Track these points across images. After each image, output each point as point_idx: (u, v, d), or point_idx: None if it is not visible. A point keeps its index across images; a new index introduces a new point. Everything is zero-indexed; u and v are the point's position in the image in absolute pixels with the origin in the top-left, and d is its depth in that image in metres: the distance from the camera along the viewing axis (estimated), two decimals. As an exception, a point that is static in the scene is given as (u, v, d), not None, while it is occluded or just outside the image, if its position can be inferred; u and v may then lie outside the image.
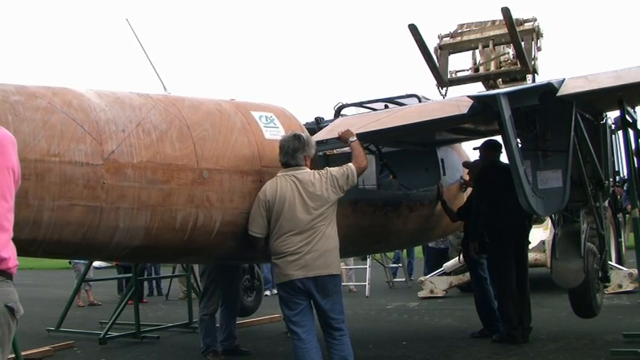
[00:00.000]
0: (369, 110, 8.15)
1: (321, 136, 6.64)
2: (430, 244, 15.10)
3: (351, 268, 15.62)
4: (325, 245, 5.66)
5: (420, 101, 7.86)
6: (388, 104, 8.06)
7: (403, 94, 8.04)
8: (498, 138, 8.00)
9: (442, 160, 8.30)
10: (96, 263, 16.41)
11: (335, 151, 7.24)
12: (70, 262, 15.39)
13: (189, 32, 75.10)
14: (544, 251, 11.96)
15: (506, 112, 5.87)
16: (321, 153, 6.74)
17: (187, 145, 5.52)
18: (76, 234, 5.02)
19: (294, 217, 5.62)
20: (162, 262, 14.36)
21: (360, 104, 8.21)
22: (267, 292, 15.28)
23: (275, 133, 6.27)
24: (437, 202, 8.28)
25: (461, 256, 9.01)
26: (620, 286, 11.20)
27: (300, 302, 5.70)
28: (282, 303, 5.78)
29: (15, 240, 3.03)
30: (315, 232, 5.63)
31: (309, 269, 5.59)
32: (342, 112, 8.09)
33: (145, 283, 15.93)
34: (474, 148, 8.71)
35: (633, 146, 7.19)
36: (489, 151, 8.14)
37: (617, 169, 11.65)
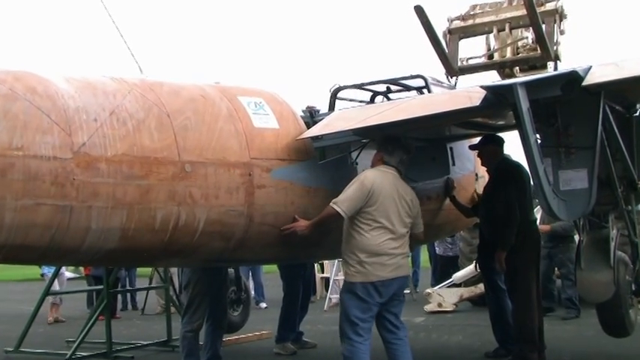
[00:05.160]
0: (369, 93, 8.19)
1: (316, 131, 6.64)
2: (438, 252, 15.10)
3: (336, 279, 15.58)
4: (407, 247, 6.53)
5: (426, 82, 7.83)
6: (391, 86, 8.04)
7: (408, 74, 8.02)
8: (506, 134, 8.01)
9: (451, 148, 8.27)
10: (68, 273, 16.37)
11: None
12: (41, 275, 15.34)
13: (167, 6, 74.59)
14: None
15: (524, 104, 5.82)
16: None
17: (167, 136, 5.52)
18: (42, 237, 5.02)
19: (396, 220, 6.34)
20: (140, 266, 14.31)
21: (359, 86, 8.19)
22: (263, 304, 15.34)
23: (265, 120, 6.30)
24: (445, 195, 8.27)
25: (475, 264, 8.94)
26: (657, 301, 11.18)
27: (374, 308, 6.36)
28: (355, 304, 6.31)
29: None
30: (405, 237, 6.47)
31: (400, 270, 6.40)
32: (340, 94, 8.07)
33: (119, 296, 15.85)
34: (470, 147, 8.66)
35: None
36: (494, 147, 8.06)
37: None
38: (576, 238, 11.86)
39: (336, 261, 14.96)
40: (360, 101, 8.33)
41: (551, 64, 8.27)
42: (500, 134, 8.13)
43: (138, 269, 17.05)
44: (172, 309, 11.11)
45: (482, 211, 8.18)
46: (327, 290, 15.89)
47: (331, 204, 6.23)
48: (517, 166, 7.81)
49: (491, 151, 8.05)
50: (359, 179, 6.38)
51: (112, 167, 5.17)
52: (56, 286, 13.08)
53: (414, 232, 6.59)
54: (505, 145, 8.07)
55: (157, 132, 5.48)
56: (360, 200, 6.23)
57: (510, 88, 5.85)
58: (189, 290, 8.13)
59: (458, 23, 8.57)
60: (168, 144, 5.50)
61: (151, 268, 14.19)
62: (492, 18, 8.41)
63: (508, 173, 7.84)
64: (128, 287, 16.21)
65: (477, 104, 6.07)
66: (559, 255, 11.67)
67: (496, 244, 7.84)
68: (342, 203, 6.21)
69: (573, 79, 5.89)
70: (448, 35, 8.52)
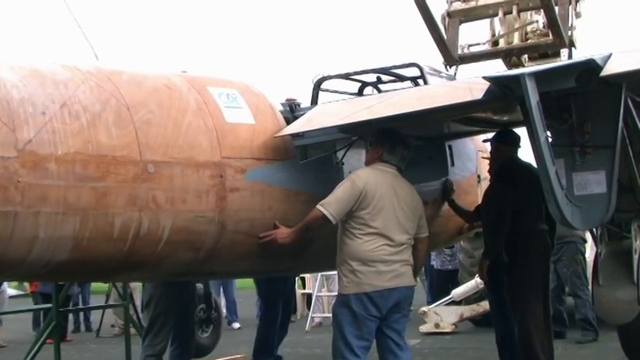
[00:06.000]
0: (357, 84, 8.23)
1: (296, 127, 6.65)
2: (435, 265, 15.12)
3: (319, 295, 15.58)
4: (409, 254, 6.53)
5: (422, 72, 7.83)
6: (381, 76, 8.06)
7: (401, 63, 8.01)
8: (521, 130, 8.02)
9: (450, 147, 8.28)
10: (10, 290, 16.23)
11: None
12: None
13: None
14: (584, 275, 11.97)
15: (533, 98, 5.79)
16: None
17: (127, 132, 5.48)
18: (-20, 248, 4.96)
19: (394, 227, 6.39)
20: (96, 281, 14.25)
21: (345, 76, 8.21)
22: (236, 324, 15.34)
23: (239, 114, 6.30)
24: (443, 200, 8.30)
25: (477, 277, 8.93)
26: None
27: (370, 323, 6.37)
28: (349, 319, 6.36)
29: None
30: (406, 245, 6.50)
31: (401, 278, 6.41)
32: (324, 85, 8.10)
33: (70, 316, 15.76)
34: (485, 141, 8.69)
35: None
36: (502, 146, 8.09)
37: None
38: (587, 246, 11.97)
39: (319, 275, 15.00)
40: (347, 93, 8.34)
41: (564, 52, 8.31)
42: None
43: (93, 285, 16.97)
44: (132, 330, 11.04)
45: (482, 216, 8.19)
46: (309, 308, 15.91)
47: (317, 206, 6.25)
48: (523, 166, 7.81)
49: (497, 148, 8.06)
50: (350, 178, 6.43)
51: (63, 167, 5.11)
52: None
53: (418, 236, 6.62)
54: (518, 144, 8.05)
55: (115, 127, 5.44)
56: (349, 202, 6.28)
57: (517, 79, 5.81)
58: (151, 308, 8.11)
59: (458, 5, 8.60)
60: (128, 141, 5.46)
61: (107, 284, 14.14)
62: (498, -1, 8.43)
63: (508, 174, 7.85)
64: (81, 305, 16.12)
65: (479, 98, 6.03)
66: (563, 269, 11.68)
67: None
68: (330, 205, 6.24)
69: (590, 68, 5.87)
70: (447, 19, 8.55)
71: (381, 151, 6.62)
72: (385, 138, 6.62)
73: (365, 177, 6.40)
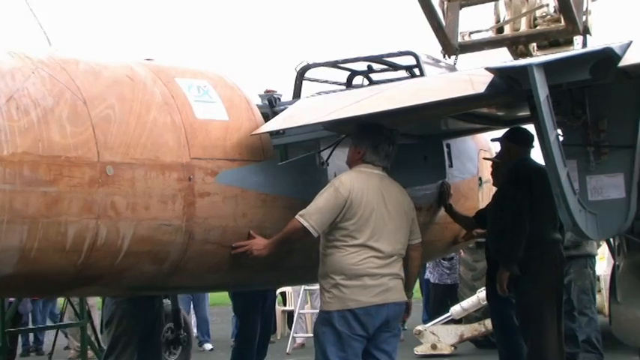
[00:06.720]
0: (346, 73, 8.26)
1: (276, 124, 6.65)
2: (432, 279, 15.13)
3: (302, 313, 15.58)
4: (400, 266, 6.56)
5: (418, 61, 7.87)
6: (373, 65, 8.07)
7: (395, 50, 8.06)
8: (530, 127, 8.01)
9: (448, 146, 8.28)
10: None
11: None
12: None
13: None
14: (599, 291, 11.97)
15: (542, 92, 5.79)
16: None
17: (84, 129, 5.44)
18: None
19: (382, 237, 6.39)
20: (46, 297, 14.19)
21: (333, 64, 8.26)
22: (209, 346, 15.30)
23: (210, 110, 6.28)
24: (439, 205, 8.32)
25: (479, 293, 8.90)
26: None
27: (356, 344, 6.35)
28: (332, 339, 6.35)
29: None
30: (395, 257, 6.48)
31: (390, 293, 6.41)
32: (308, 74, 8.16)
33: (19, 337, 15.66)
34: (494, 140, 8.69)
35: None
36: (514, 146, 8.08)
37: None
38: (600, 260, 11.95)
39: (302, 290, 14.99)
40: (335, 83, 8.33)
41: (578, 40, 8.30)
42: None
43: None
44: (90, 352, 10.98)
45: (489, 224, 8.17)
46: (290, 327, 15.90)
47: (297, 216, 6.23)
48: (537, 169, 7.80)
49: (508, 149, 8.05)
50: (333, 185, 6.40)
51: (9, 170, 5.07)
52: None
53: (410, 243, 6.62)
54: (532, 144, 8.03)
55: (69, 124, 5.40)
56: (332, 212, 6.27)
57: (524, 70, 5.80)
58: (112, 328, 8.11)
59: (458, -12, 8.58)
60: (84, 140, 5.42)
61: (61, 300, 14.07)
62: (503, -19, 8.44)
63: (523, 176, 7.83)
64: (32, 325, 16.02)
65: (481, 91, 6.06)
66: (572, 284, 11.64)
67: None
68: (310, 216, 6.22)
69: (607, 58, 5.86)
70: (446, 3, 8.53)
71: (363, 151, 6.60)
72: (366, 135, 6.60)
73: (349, 183, 6.38)
